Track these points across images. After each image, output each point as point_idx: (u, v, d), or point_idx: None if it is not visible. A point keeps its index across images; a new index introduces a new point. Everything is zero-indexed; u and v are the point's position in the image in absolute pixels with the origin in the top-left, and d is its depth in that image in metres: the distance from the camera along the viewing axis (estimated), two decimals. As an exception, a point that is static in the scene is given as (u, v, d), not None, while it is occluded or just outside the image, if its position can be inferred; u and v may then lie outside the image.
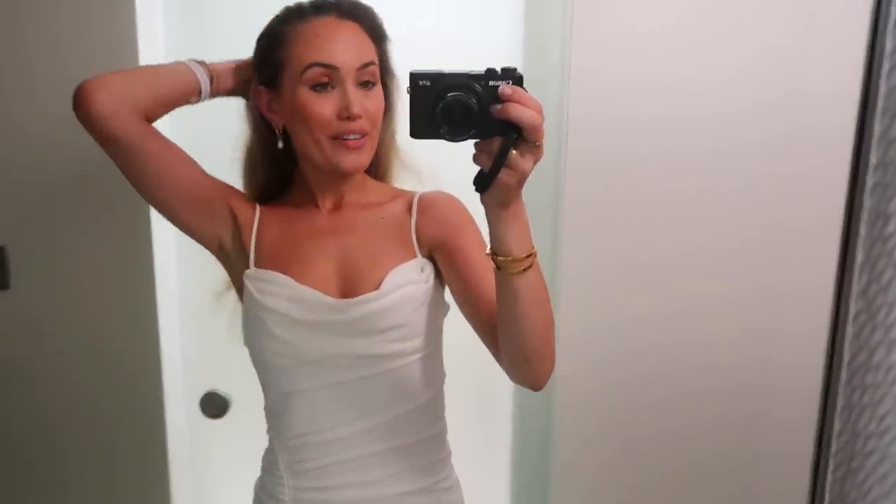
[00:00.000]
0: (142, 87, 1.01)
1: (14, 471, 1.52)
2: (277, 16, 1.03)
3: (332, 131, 0.98)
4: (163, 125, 1.06)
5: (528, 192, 0.82)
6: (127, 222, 1.40)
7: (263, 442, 1.15)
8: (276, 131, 1.05)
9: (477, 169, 0.78)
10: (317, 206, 1.08)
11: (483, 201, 0.81)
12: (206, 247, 1.10)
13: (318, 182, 1.07)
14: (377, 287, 1.00)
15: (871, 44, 1.35)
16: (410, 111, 0.78)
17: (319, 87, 0.97)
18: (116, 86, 0.99)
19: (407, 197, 1.09)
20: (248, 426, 1.16)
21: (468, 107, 0.75)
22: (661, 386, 1.49)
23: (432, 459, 1.10)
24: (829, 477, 1.47)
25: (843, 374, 1.43)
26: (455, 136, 0.76)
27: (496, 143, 0.76)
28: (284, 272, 1.03)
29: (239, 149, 1.11)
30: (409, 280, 1.01)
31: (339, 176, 1.04)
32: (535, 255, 0.85)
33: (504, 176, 0.77)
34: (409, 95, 0.78)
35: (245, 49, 1.07)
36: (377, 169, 1.11)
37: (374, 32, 1.04)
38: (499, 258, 0.84)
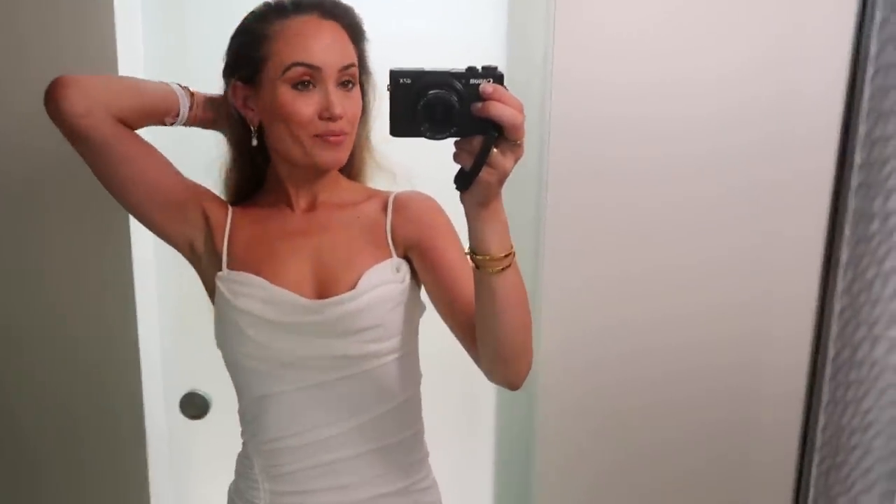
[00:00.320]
0: (120, 91, 1.00)
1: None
2: (255, 12, 1.02)
3: (313, 130, 0.97)
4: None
5: (510, 194, 0.81)
6: (105, 221, 1.38)
7: (243, 443, 1.14)
8: (252, 128, 1.03)
9: (457, 167, 0.78)
10: (290, 206, 1.07)
11: (463, 200, 0.81)
12: (178, 249, 1.09)
13: (292, 181, 1.06)
14: (352, 287, 0.99)
15: (855, 46, 1.36)
16: (391, 109, 0.77)
17: (301, 85, 0.97)
18: (93, 85, 0.98)
19: (382, 196, 1.08)
20: (228, 427, 1.15)
21: (449, 105, 0.75)
22: (644, 390, 1.49)
23: (410, 460, 1.09)
24: (814, 471, 1.49)
25: (828, 371, 1.44)
26: (436, 133, 0.76)
27: (477, 141, 0.75)
28: (258, 273, 1.02)
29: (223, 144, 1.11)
30: (385, 280, 1.01)
31: (316, 173, 1.04)
32: (514, 255, 0.85)
33: (485, 174, 0.76)
34: (389, 93, 0.77)
35: (224, 46, 1.05)
36: (351, 168, 1.10)
37: (354, 32, 1.03)
38: (477, 257, 0.84)
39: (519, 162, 0.79)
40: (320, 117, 0.97)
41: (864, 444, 1.45)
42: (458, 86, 0.75)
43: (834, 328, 1.43)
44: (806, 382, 1.48)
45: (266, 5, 1.02)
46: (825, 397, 1.45)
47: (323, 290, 1.01)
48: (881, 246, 1.38)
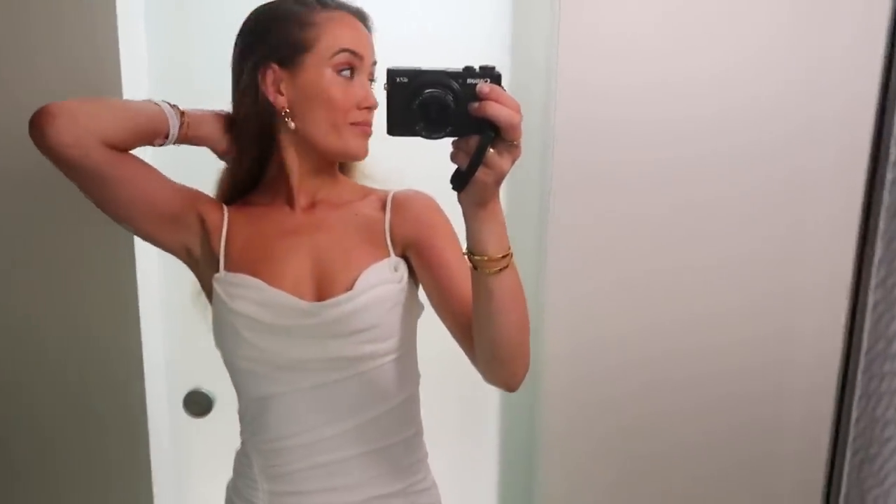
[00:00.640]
0: (108, 116, 0.97)
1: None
2: (294, 1, 1.03)
3: (351, 118, 1.00)
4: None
5: (514, 198, 0.81)
6: (109, 221, 1.38)
7: (246, 441, 1.14)
8: (279, 112, 1.02)
9: (454, 167, 0.78)
10: (290, 203, 1.07)
11: (460, 200, 0.81)
12: (175, 255, 1.09)
13: (298, 176, 1.05)
14: (350, 287, 0.99)
15: (890, 39, 1.34)
16: (388, 108, 0.78)
17: (344, 73, 1.00)
18: (80, 112, 0.94)
19: (381, 195, 1.08)
20: (231, 425, 1.15)
21: (445, 104, 0.75)
22: (655, 393, 1.48)
23: (408, 461, 1.09)
24: (847, 464, 1.48)
25: (862, 363, 1.44)
26: (431, 133, 0.76)
27: (473, 141, 0.75)
28: (256, 274, 1.02)
29: None
30: (383, 280, 1.00)
31: (334, 161, 1.07)
32: (512, 256, 0.85)
33: (481, 175, 0.76)
34: (386, 92, 0.77)
35: (228, 50, 1.06)
36: (346, 168, 1.13)
37: (373, 39, 1.08)
38: (475, 258, 0.84)
39: (523, 166, 0.79)
40: (359, 106, 1.01)
41: (897, 437, 1.45)
42: (455, 85, 0.75)
43: (868, 321, 1.42)
44: (838, 375, 1.47)
45: None
46: (858, 390, 1.45)
47: (321, 289, 1.01)
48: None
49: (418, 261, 1.03)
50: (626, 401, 1.49)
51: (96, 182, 0.98)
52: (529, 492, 1.56)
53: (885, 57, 1.35)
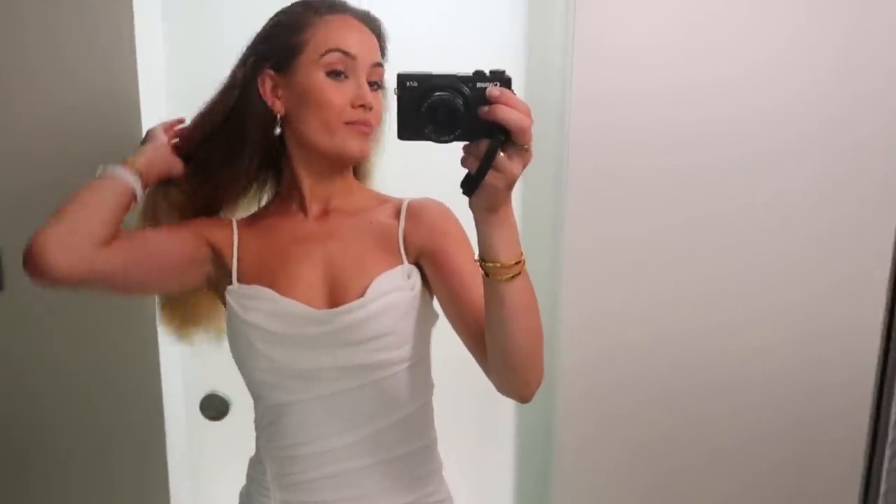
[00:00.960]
0: (82, 222, 0.94)
1: (12, 473, 1.52)
2: (292, 6, 1.05)
3: (345, 118, 0.99)
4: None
5: (529, 203, 0.80)
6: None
7: (263, 445, 1.14)
8: (276, 116, 1.04)
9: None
10: (303, 211, 1.07)
11: (471, 205, 0.80)
12: (201, 289, 1.09)
13: (309, 181, 1.06)
14: (362, 295, 0.99)
15: None
16: (398, 112, 0.77)
17: (334, 74, 1.00)
18: (58, 234, 0.91)
19: (395, 203, 1.08)
20: (248, 428, 1.15)
21: (453, 107, 0.75)
22: (676, 401, 1.47)
23: (421, 472, 1.08)
24: (885, 466, 1.46)
25: None
26: (440, 136, 0.76)
27: (483, 145, 0.75)
28: (269, 284, 1.02)
29: None
30: (395, 287, 1.00)
31: (339, 164, 1.05)
32: (524, 263, 0.84)
33: (491, 179, 0.76)
34: (396, 97, 0.77)
35: (245, 31, 1.06)
36: (360, 175, 1.14)
37: (382, 43, 1.07)
38: (487, 264, 0.82)
39: (538, 173, 0.78)
40: (353, 105, 0.99)
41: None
42: (465, 89, 0.75)
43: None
44: (876, 378, 1.45)
45: (304, 2, 1.04)
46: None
47: (334, 297, 1.01)
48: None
49: (431, 268, 1.02)
50: (643, 412, 1.48)
51: (116, 279, 0.98)
52: (546, 500, 1.55)
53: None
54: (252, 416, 1.12)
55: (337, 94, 0.99)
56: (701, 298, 1.44)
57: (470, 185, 0.77)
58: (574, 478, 1.49)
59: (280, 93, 1.03)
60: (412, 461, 1.06)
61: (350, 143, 1.00)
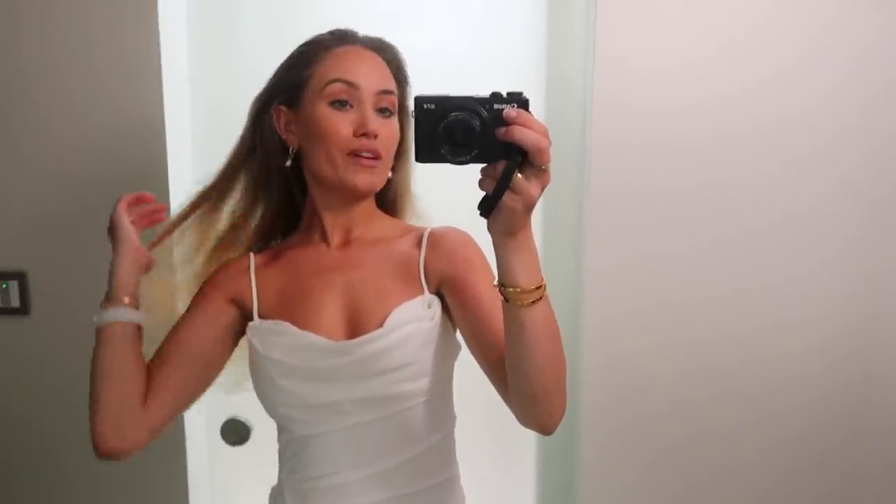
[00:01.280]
0: (116, 392, 1.01)
1: (34, 496, 1.53)
2: (305, 42, 1.05)
3: (347, 148, 0.98)
4: (188, 156, 1.05)
5: (551, 219, 0.78)
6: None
7: (285, 470, 1.13)
8: (290, 151, 1.04)
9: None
10: (325, 242, 1.07)
11: (490, 229, 0.78)
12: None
13: (328, 212, 1.06)
14: (382, 325, 0.98)
15: None
16: (416, 135, 0.77)
17: (338, 103, 0.99)
18: (106, 416, 1.00)
19: (417, 232, 1.07)
20: (268, 454, 1.14)
21: (470, 127, 0.74)
22: (703, 416, 1.45)
23: None
24: None
25: None
26: (456, 156, 0.75)
27: (500, 166, 0.74)
28: (290, 317, 1.01)
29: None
30: (416, 316, 0.98)
31: (351, 199, 1.04)
32: (545, 288, 0.81)
33: (509, 200, 0.74)
34: (414, 119, 0.77)
35: (269, 54, 1.07)
36: (389, 207, 1.13)
37: (395, 68, 1.06)
38: (507, 290, 0.80)
39: (560, 186, 0.76)
40: (355, 134, 0.98)
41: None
42: (482, 110, 0.74)
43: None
44: None
45: (311, 40, 1.05)
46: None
47: (354, 327, 1.00)
48: None
49: (452, 296, 1.00)
50: (664, 431, 1.46)
51: (181, 404, 1.05)
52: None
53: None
54: (274, 441, 1.11)
55: (340, 124, 0.98)
56: (725, 308, 1.43)
57: (487, 207, 0.76)
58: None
59: (293, 127, 1.04)
60: (434, 495, 1.04)
61: (354, 177, 0.99)
